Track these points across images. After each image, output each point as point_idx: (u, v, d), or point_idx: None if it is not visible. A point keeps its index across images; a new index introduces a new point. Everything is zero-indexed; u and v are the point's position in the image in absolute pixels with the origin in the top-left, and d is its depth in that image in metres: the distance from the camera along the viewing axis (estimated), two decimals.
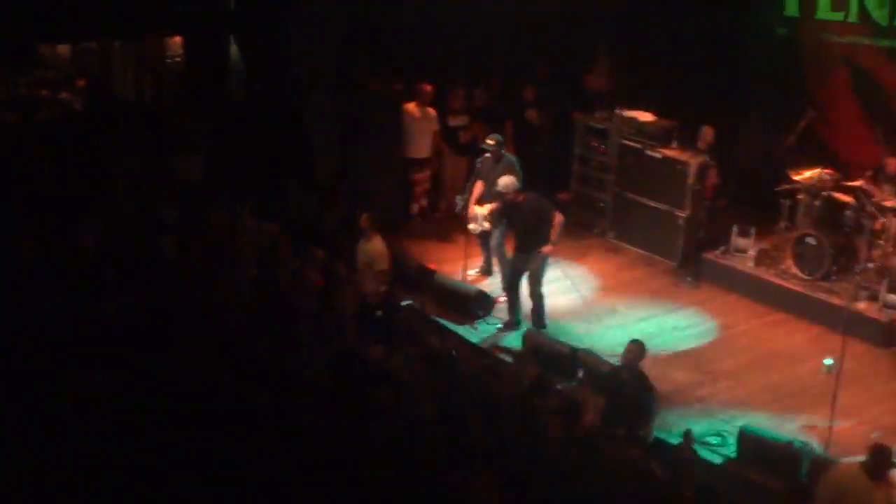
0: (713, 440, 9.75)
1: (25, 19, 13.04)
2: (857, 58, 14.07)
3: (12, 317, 8.47)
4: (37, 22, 13.35)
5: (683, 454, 7.99)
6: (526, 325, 11.79)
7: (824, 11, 14.33)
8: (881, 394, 10.01)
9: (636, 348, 9.35)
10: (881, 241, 12.15)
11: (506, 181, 11.66)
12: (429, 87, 14.87)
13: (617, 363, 9.68)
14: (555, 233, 11.58)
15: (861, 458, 7.92)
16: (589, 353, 10.66)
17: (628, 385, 9.24)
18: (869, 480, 7.63)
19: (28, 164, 12.68)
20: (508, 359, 11.20)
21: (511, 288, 11.91)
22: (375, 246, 11.68)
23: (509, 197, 11.59)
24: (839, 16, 14.18)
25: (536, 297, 11.75)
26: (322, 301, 10.11)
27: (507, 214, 11.89)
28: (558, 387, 9.75)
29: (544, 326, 11.71)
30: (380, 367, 8.82)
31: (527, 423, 8.11)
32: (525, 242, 11.71)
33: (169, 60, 15.65)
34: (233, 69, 15.52)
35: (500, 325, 11.97)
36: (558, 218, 11.60)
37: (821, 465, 8.97)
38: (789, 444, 9.25)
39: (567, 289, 13.04)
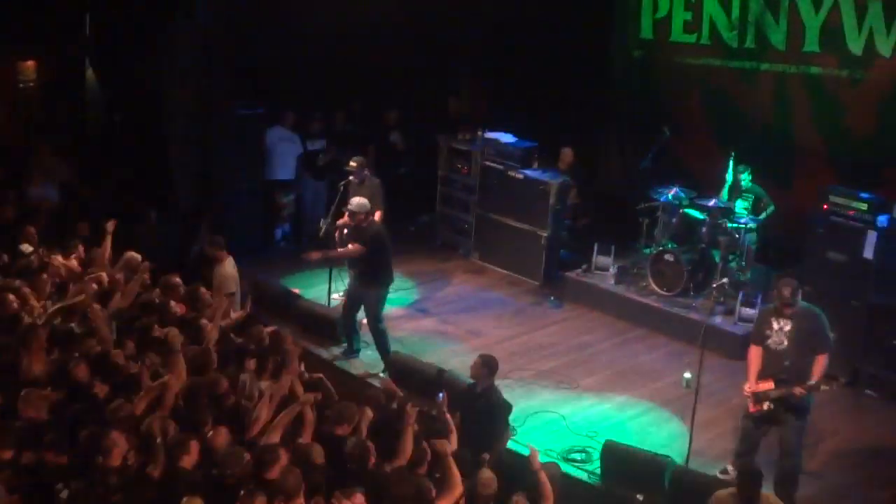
0: (578, 456, 9.76)
1: None
2: (710, 79, 14.40)
3: None
4: None
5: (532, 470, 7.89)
6: (371, 349, 11.70)
7: (678, 34, 14.65)
8: (738, 405, 10.15)
9: (482, 362, 9.18)
10: (735, 256, 12.48)
11: (357, 201, 11.39)
12: (291, 112, 14.87)
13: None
14: (348, 251, 11.35)
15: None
16: (454, 374, 10.60)
17: (480, 400, 9.13)
18: (741, 500, 7.68)
19: None
20: (375, 382, 11.11)
21: (346, 315, 11.66)
22: (224, 269, 11.29)
23: (359, 218, 11.29)
24: (692, 38, 14.50)
25: (377, 333, 11.48)
26: (185, 331, 9.85)
27: (353, 237, 11.52)
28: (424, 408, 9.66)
29: (387, 353, 11.42)
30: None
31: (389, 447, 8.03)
32: (361, 272, 11.43)
33: (21, 85, 15.23)
34: (89, 94, 15.21)
35: (340, 351, 11.81)
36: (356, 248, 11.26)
37: (683, 476, 9.12)
38: (653, 456, 9.32)
39: (430, 310, 13.14)
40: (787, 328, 8.95)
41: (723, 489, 8.10)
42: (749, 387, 9.05)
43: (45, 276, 10.44)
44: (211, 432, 7.69)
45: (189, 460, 7.26)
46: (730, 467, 9.48)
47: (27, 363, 8.55)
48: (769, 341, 9.06)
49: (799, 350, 8.92)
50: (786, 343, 8.95)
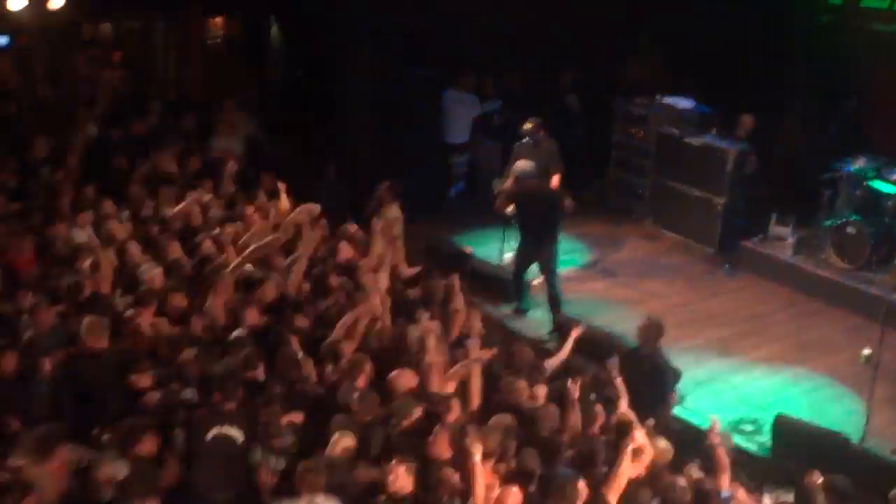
0: (748, 427, 9.66)
1: None
2: None
3: None
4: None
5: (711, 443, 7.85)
6: (540, 310, 11.79)
7: None
8: None
9: (650, 324, 9.24)
10: None
11: (522, 165, 11.59)
12: (470, 73, 14.99)
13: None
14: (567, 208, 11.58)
15: None
16: (622, 338, 10.55)
17: (644, 363, 9.14)
18: None
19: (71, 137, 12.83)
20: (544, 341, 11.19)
21: (516, 275, 11.84)
22: (390, 214, 11.67)
23: (524, 182, 11.51)
24: (885, 3, 13.94)
25: (550, 285, 11.59)
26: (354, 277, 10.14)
27: (517, 199, 11.73)
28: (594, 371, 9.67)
29: (559, 313, 11.50)
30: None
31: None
32: (533, 229, 11.62)
33: (209, 42, 15.72)
34: (273, 51, 15.57)
35: (510, 311, 11.87)
36: (569, 203, 11.60)
37: (859, 455, 8.92)
38: (826, 432, 9.16)
39: (601, 273, 13.13)
40: None
41: None
42: None
43: (231, 225, 10.89)
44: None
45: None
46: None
47: (211, 303, 8.97)
48: None
49: None
50: None
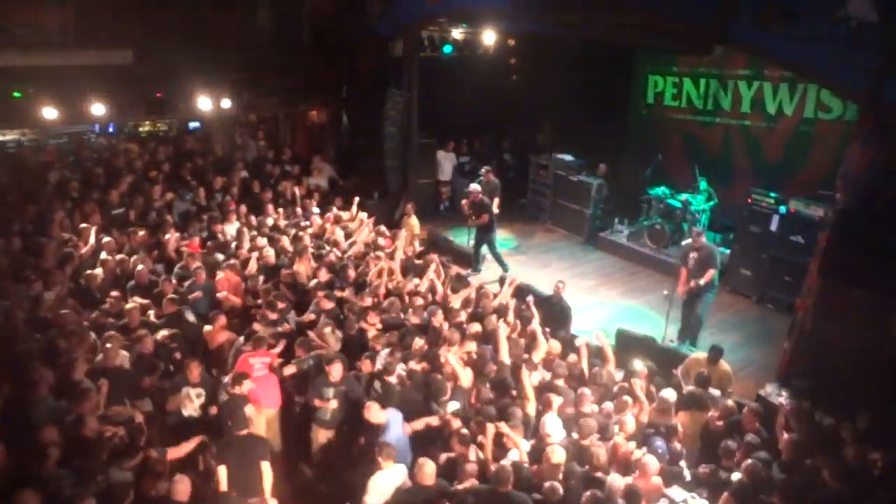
0: (602, 334, 9.53)
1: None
2: (685, 127, 14.00)
3: None
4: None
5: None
6: (487, 272, 11.75)
7: (668, 101, 14.23)
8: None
9: (559, 284, 9.39)
10: (694, 228, 12.18)
11: (472, 187, 11.62)
12: (451, 141, 15.01)
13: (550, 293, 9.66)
14: (484, 218, 11.57)
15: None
16: (534, 288, 10.61)
17: (556, 305, 9.26)
18: (708, 364, 7.75)
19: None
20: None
21: (475, 250, 11.89)
22: (410, 220, 11.86)
23: (473, 196, 11.54)
24: (677, 103, 14.11)
25: (495, 255, 11.69)
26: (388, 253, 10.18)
27: (472, 207, 11.68)
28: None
29: (506, 269, 11.54)
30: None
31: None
32: (484, 227, 11.65)
33: (309, 123, 15.72)
34: (343, 129, 15.58)
35: (471, 269, 11.87)
36: (486, 217, 11.55)
37: (660, 348, 9.06)
38: (643, 336, 9.32)
39: (522, 252, 13.16)
40: (696, 255, 9.21)
41: (696, 356, 8.09)
42: (680, 288, 9.39)
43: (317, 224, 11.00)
44: None
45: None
46: (675, 339, 9.50)
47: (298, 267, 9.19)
48: (689, 262, 9.30)
49: (698, 267, 9.18)
50: (693, 263, 9.21)
